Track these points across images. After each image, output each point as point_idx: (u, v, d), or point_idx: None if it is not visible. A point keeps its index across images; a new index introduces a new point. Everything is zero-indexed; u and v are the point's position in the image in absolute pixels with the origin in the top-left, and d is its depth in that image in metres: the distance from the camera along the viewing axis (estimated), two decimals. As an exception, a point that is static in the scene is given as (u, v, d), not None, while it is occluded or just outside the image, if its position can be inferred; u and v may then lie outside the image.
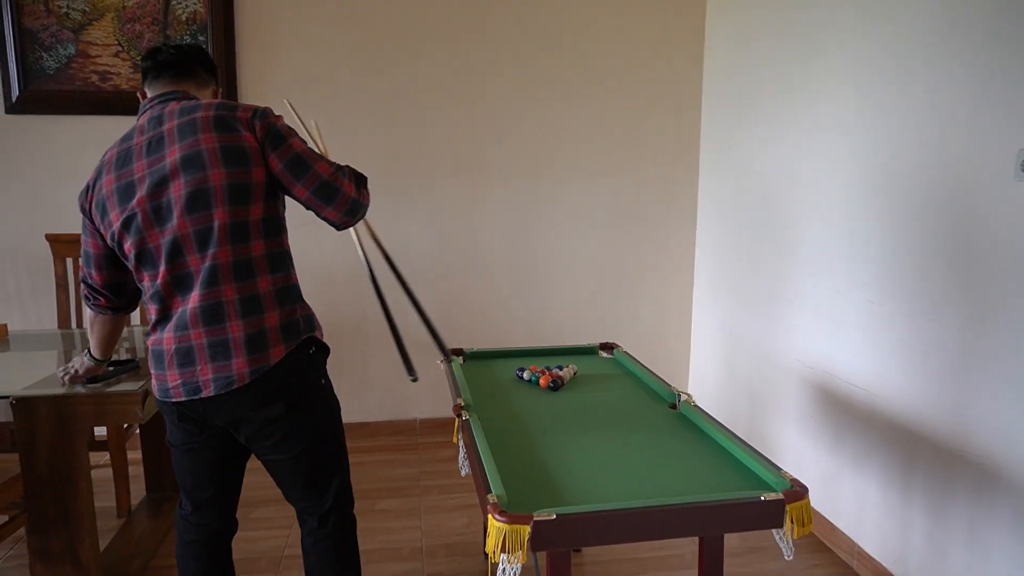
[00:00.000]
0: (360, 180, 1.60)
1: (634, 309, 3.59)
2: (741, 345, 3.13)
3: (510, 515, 1.21)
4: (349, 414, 3.28)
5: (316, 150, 1.61)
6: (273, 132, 1.50)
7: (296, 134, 1.54)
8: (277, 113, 1.55)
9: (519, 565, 1.22)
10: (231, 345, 1.47)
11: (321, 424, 1.63)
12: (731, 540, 2.51)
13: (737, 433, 2.98)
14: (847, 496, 2.40)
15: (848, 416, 2.38)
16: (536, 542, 1.20)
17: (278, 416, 1.54)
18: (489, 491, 1.30)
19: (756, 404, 3.01)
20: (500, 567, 1.23)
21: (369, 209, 1.66)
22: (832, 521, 2.48)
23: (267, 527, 2.64)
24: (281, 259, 1.55)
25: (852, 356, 2.35)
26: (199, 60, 1.63)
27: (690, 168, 3.53)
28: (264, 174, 1.49)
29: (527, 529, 1.19)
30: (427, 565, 2.39)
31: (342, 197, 1.53)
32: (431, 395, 3.47)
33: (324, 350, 1.65)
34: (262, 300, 1.50)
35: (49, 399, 1.90)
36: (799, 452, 2.66)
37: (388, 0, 3.17)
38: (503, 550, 1.20)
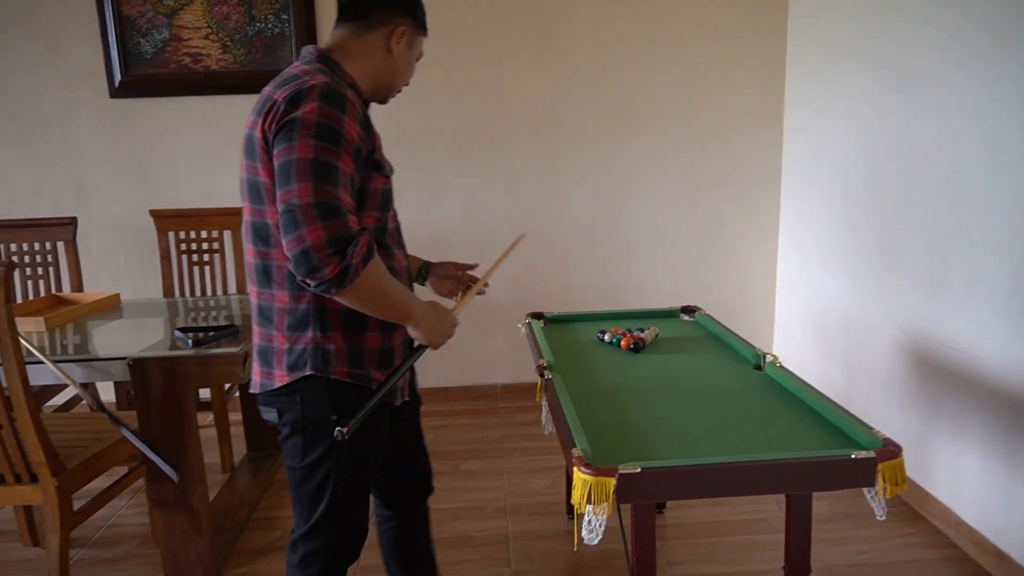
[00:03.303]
0: (340, 243, 1.17)
1: (716, 273, 3.52)
2: (829, 308, 3.02)
3: (595, 468, 1.23)
4: (428, 379, 3.38)
5: (330, 151, 1.19)
6: (287, 124, 1.20)
7: (317, 131, 1.18)
8: (331, 92, 1.21)
9: (604, 517, 1.25)
10: (256, 351, 1.40)
11: (308, 457, 1.37)
12: (820, 505, 2.46)
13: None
14: (943, 464, 2.31)
15: (945, 381, 2.27)
16: (621, 494, 1.22)
17: (272, 423, 1.41)
18: (574, 445, 1.33)
19: (846, 369, 2.91)
20: (586, 518, 1.25)
21: (348, 288, 1.20)
22: (927, 489, 2.39)
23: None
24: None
25: (951, 318, 2.23)
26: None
27: (774, 129, 3.41)
28: (271, 173, 1.24)
29: (612, 481, 1.21)
30: (511, 523, 2.45)
31: (295, 239, 1.16)
32: (511, 361, 3.53)
33: (335, 384, 1.34)
34: (273, 315, 1.34)
35: (160, 360, 2.05)
36: (891, 418, 2.56)
37: (462, -32, 3.18)
38: (588, 502, 1.22)
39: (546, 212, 3.43)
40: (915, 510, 2.44)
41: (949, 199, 2.22)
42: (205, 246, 3.14)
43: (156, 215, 3.10)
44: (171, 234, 3.11)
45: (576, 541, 1.30)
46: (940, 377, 2.30)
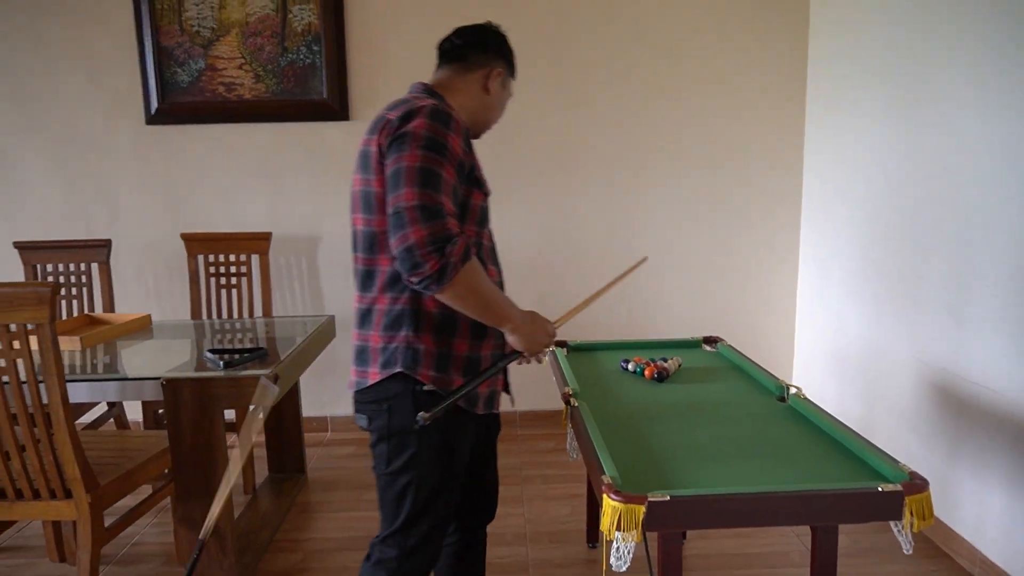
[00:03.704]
0: (439, 242, 1.27)
1: (735, 302, 3.54)
2: (850, 339, 3.03)
3: (625, 495, 1.25)
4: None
5: (436, 160, 1.31)
6: (399, 137, 1.33)
7: (426, 144, 1.31)
8: (439, 111, 1.35)
9: (632, 544, 1.27)
10: (354, 352, 1.50)
11: (393, 465, 1.45)
12: (843, 540, 2.44)
13: (846, 431, 2.90)
14: (966, 500, 2.29)
15: (968, 416, 2.27)
16: (650, 522, 1.24)
17: (363, 427, 1.51)
18: (603, 472, 1.35)
19: (866, 401, 2.90)
20: (614, 545, 1.27)
21: (446, 285, 1.29)
22: (950, 526, 2.37)
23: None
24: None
25: (974, 352, 2.24)
26: (469, 42, 1.54)
27: (793, 157, 3.45)
28: (384, 183, 1.36)
29: (642, 509, 1.23)
30: (531, 550, 2.46)
31: (400, 237, 1.28)
32: (531, 388, 3.54)
33: (421, 395, 1.41)
34: (372, 316, 1.45)
35: (193, 380, 2.09)
36: (913, 453, 2.55)
37: (486, 1, 3.27)
38: (618, 528, 1.24)
39: (564, 239, 3.48)
40: (938, 546, 2.42)
41: (972, 231, 2.24)
42: (233, 269, 3.21)
43: (187, 238, 3.18)
44: (200, 257, 3.19)
45: (604, 568, 1.31)
46: (963, 412, 2.30)
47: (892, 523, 1.30)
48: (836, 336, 3.16)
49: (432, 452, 1.44)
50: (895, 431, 2.68)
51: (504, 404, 1.64)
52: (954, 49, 2.30)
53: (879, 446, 1.47)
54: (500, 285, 1.56)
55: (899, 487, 1.27)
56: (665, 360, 2.15)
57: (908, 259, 2.59)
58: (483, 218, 1.49)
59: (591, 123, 3.39)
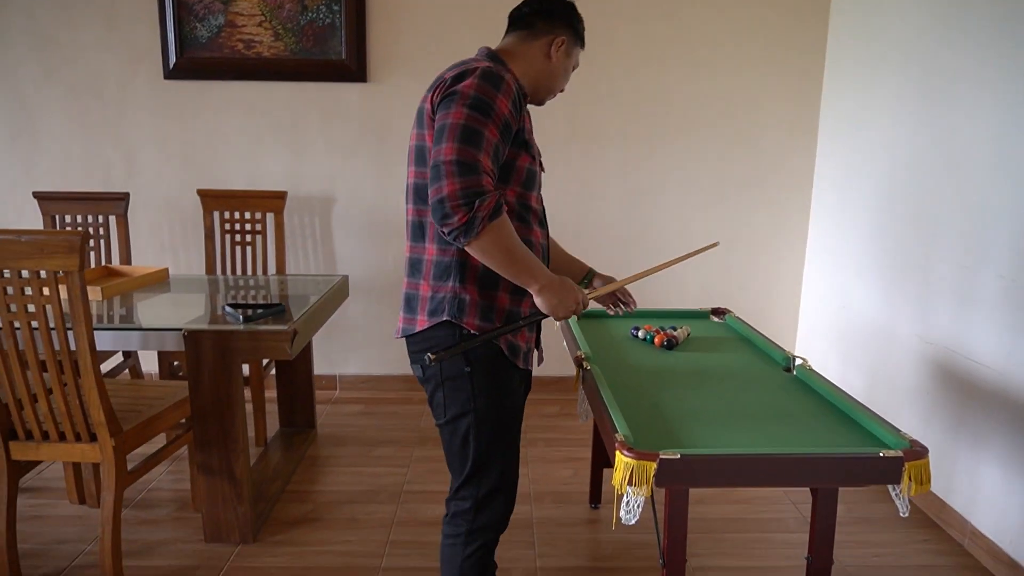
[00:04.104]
0: (470, 196, 1.31)
1: (743, 276, 3.58)
2: (854, 316, 3.07)
3: (638, 452, 1.31)
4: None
5: (480, 120, 1.35)
6: (449, 95, 1.39)
7: (472, 103, 1.36)
8: (491, 73, 1.40)
9: (642, 498, 1.33)
10: (403, 300, 1.58)
11: (451, 411, 1.53)
12: (839, 509, 2.51)
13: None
14: (961, 475, 2.36)
15: (968, 394, 2.32)
16: (661, 478, 1.30)
17: (420, 378, 1.58)
18: (616, 431, 1.41)
19: (868, 376, 2.96)
20: (625, 499, 1.33)
21: (473, 238, 1.34)
22: (944, 499, 2.44)
23: (387, 464, 2.87)
24: None
25: (977, 332, 2.28)
26: (536, 10, 1.59)
27: (807, 137, 3.46)
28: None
29: (653, 465, 1.29)
30: (535, 509, 2.54)
31: (436, 189, 1.33)
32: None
33: (467, 340, 1.47)
34: (422, 266, 1.51)
35: (214, 333, 2.15)
36: (911, 427, 2.61)
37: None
38: (629, 483, 1.30)
39: (580, 213, 3.50)
40: (931, 518, 2.50)
41: (981, 215, 2.27)
42: (248, 227, 3.25)
43: (203, 194, 3.21)
44: (216, 214, 3.23)
45: (615, 520, 1.38)
46: (963, 390, 2.35)
47: (891, 487, 1.36)
48: (840, 312, 3.20)
49: (485, 394, 1.50)
50: (894, 406, 2.74)
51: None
52: (970, 33, 2.30)
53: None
54: (544, 248, 1.60)
55: (900, 453, 1.32)
56: (674, 329, 2.20)
57: (916, 240, 2.62)
58: (529, 180, 1.52)
59: (609, 103, 3.39)
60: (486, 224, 1.33)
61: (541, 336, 1.73)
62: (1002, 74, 2.18)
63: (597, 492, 2.54)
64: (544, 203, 1.65)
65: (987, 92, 2.25)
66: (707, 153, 3.46)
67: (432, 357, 1.42)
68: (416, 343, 1.53)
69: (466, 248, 1.39)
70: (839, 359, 3.21)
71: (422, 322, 1.51)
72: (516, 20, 1.62)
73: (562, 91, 1.69)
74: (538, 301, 1.45)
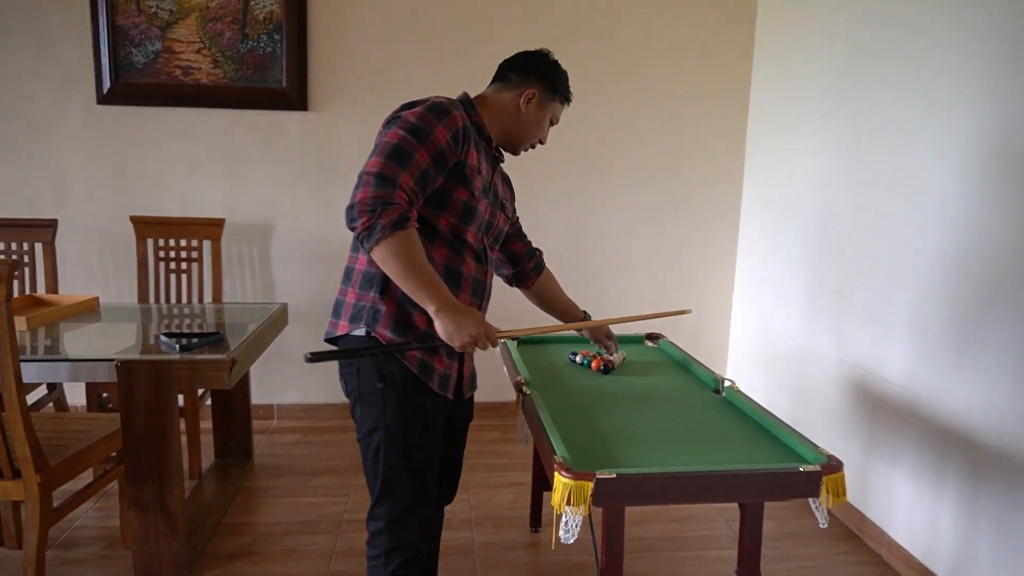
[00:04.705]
0: (377, 205, 1.38)
1: (675, 301, 3.71)
2: (779, 339, 3.24)
3: (575, 472, 1.36)
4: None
5: (412, 143, 1.44)
6: (392, 119, 1.50)
7: (409, 127, 1.44)
8: (437, 105, 1.49)
9: (580, 518, 1.38)
10: (333, 305, 1.64)
11: (366, 426, 1.57)
12: (767, 525, 2.62)
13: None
14: (878, 489, 2.51)
15: (883, 413, 2.48)
16: (598, 498, 1.35)
17: (344, 392, 1.62)
18: (555, 452, 1.46)
19: (792, 397, 3.11)
20: (564, 519, 1.38)
21: (372, 244, 1.40)
22: (863, 512, 2.58)
23: (326, 494, 2.84)
24: None
25: (891, 355, 2.45)
26: (513, 64, 1.69)
27: (735, 170, 3.65)
28: None
29: (590, 485, 1.34)
30: (476, 534, 2.56)
31: (352, 196, 1.41)
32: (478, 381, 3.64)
33: (382, 358, 1.53)
34: (353, 275, 1.59)
35: (149, 363, 2.11)
36: (832, 445, 2.76)
37: (451, 1, 3.34)
38: (568, 503, 1.35)
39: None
40: (852, 531, 2.64)
41: (891, 244, 2.45)
42: (184, 254, 3.20)
43: (136, 221, 3.15)
44: (150, 241, 3.16)
45: (554, 540, 1.42)
46: (878, 408, 2.51)
47: (811, 500, 1.45)
48: (767, 335, 3.37)
49: (396, 412, 1.53)
50: (817, 425, 2.90)
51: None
52: (887, 75, 2.51)
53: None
54: (478, 283, 1.64)
55: (818, 468, 1.42)
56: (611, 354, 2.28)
57: (835, 268, 2.80)
58: (466, 214, 1.57)
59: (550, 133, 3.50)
60: (386, 233, 1.38)
61: (472, 365, 1.77)
62: (915, 117, 2.38)
63: (537, 516, 2.58)
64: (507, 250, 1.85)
65: (902, 131, 2.44)
66: (641, 181, 3.61)
67: (310, 355, 1.46)
68: (343, 367, 1.59)
69: (371, 254, 1.44)
70: (767, 380, 3.36)
71: (343, 327, 1.57)
72: (497, 71, 1.72)
73: (542, 143, 1.78)
74: (436, 324, 1.46)
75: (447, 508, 1.94)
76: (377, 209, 1.38)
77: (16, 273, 2.97)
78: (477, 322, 1.46)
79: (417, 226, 1.45)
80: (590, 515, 1.41)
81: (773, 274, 3.32)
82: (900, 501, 2.40)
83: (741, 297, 3.69)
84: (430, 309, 1.45)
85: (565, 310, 2.06)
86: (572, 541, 1.38)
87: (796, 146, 3.11)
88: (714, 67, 3.55)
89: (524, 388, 1.92)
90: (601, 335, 2.11)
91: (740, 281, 3.70)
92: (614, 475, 1.36)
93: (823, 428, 2.86)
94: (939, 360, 2.21)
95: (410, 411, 1.55)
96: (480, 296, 1.67)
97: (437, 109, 1.50)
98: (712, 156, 3.62)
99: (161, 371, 2.11)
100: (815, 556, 2.47)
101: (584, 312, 2.07)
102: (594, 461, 1.48)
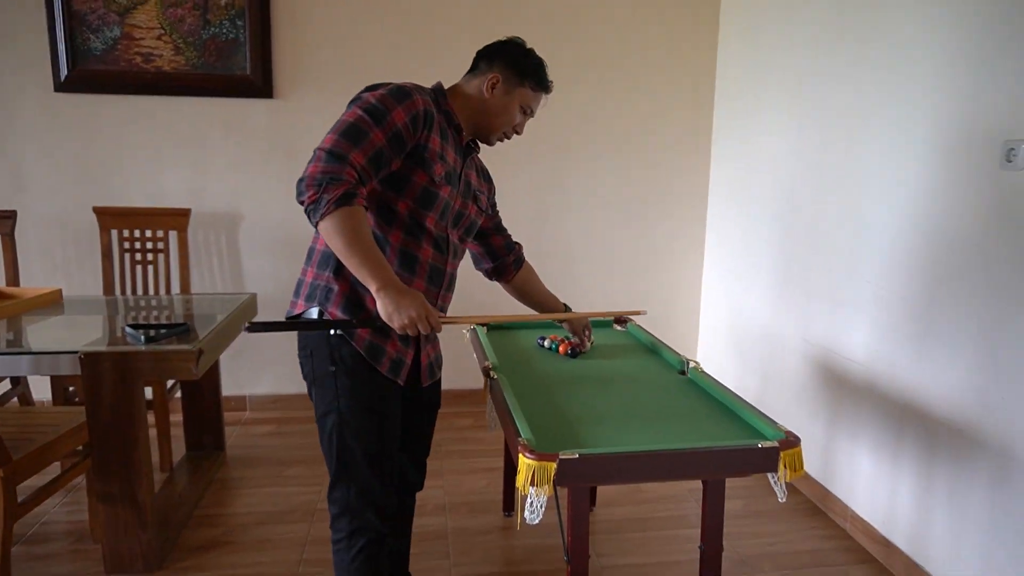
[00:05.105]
0: (325, 180, 1.38)
1: (647, 287, 3.76)
2: (747, 322, 3.29)
3: (539, 453, 1.38)
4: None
5: (368, 123, 1.44)
6: (353, 100, 1.50)
7: (368, 108, 1.45)
8: (399, 89, 1.50)
9: (544, 498, 1.40)
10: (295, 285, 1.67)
11: (320, 409, 1.59)
12: (735, 504, 2.69)
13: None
14: (841, 464, 2.57)
15: (845, 390, 2.54)
16: (561, 478, 1.37)
17: (301, 371, 1.64)
18: (519, 435, 1.48)
19: (761, 377, 3.17)
20: (528, 499, 1.40)
21: (318, 219, 1.40)
22: (827, 487, 2.65)
23: (299, 483, 2.84)
24: None
25: (851, 334, 2.51)
26: (482, 52, 1.70)
27: (702, 157, 3.68)
28: None
29: (553, 466, 1.36)
30: (450, 520, 2.58)
31: (304, 170, 1.42)
32: (450, 368, 3.64)
33: (333, 339, 1.54)
34: (313, 255, 1.60)
35: (114, 354, 2.08)
36: (799, 423, 2.82)
37: (416, -12, 3.32)
38: (532, 484, 1.37)
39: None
40: (817, 506, 2.71)
41: (853, 228, 2.49)
42: (150, 245, 3.15)
43: (100, 212, 3.09)
44: (115, 232, 3.11)
45: (519, 521, 1.44)
46: (840, 386, 2.57)
47: (769, 475, 1.49)
48: (735, 319, 3.42)
49: (348, 395, 1.55)
50: (784, 403, 2.95)
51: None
52: (850, 60, 2.54)
53: (770, 415, 1.66)
54: (434, 269, 1.63)
55: (775, 444, 1.46)
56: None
57: (798, 251, 2.84)
58: (425, 199, 1.56)
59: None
60: (331, 208, 1.38)
61: (435, 352, 1.76)
62: (876, 97, 2.42)
63: (510, 500, 2.61)
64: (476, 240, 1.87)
65: (858, 118, 2.48)
66: (610, 170, 3.62)
67: (249, 324, 1.49)
68: (299, 340, 1.60)
69: (317, 229, 1.44)
70: (736, 361, 3.42)
71: (299, 306, 1.59)
72: (473, 62, 1.71)
73: (518, 133, 1.78)
74: (377, 304, 1.44)
75: (419, 495, 1.97)
76: (324, 183, 1.38)
77: (-25, 266, 2.92)
78: (418, 304, 1.44)
79: (365, 204, 1.45)
80: (556, 496, 1.43)
81: (740, 257, 3.37)
82: (862, 475, 2.46)
83: (710, 280, 3.74)
84: (372, 287, 1.43)
85: (545, 304, 2.07)
86: (537, 521, 1.40)
87: (761, 131, 3.15)
88: (679, 55, 3.56)
89: (492, 373, 1.94)
90: (579, 328, 2.13)
91: (709, 264, 3.75)
92: (576, 455, 1.38)
93: (790, 407, 2.92)
94: (898, 338, 2.27)
95: (363, 395, 1.56)
96: (438, 285, 1.66)
97: (398, 92, 1.50)
98: (679, 143, 3.65)
99: (126, 363, 2.09)
100: (783, 532, 2.53)
101: (564, 305, 2.09)
102: (558, 442, 1.50)
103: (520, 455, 1.40)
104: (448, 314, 1.72)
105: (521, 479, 1.39)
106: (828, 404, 2.65)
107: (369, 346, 1.56)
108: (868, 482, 2.43)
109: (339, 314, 1.54)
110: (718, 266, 3.63)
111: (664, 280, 3.78)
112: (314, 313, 1.56)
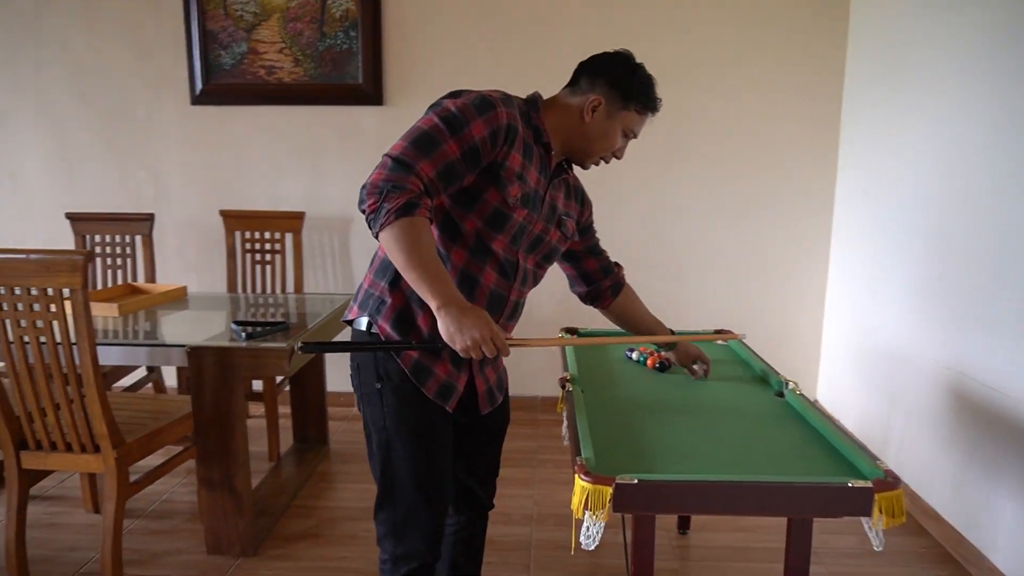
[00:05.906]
0: (387, 188, 1.30)
1: (764, 299, 3.51)
2: (875, 340, 2.97)
3: (595, 476, 1.29)
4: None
5: (443, 133, 1.35)
6: (433, 105, 1.41)
7: (446, 116, 1.36)
8: (484, 99, 1.39)
9: (601, 523, 1.30)
10: None
11: (368, 426, 1.52)
12: (851, 541, 2.43)
13: (871, 435, 2.86)
14: (980, 508, 2.25)
15: (984, 422, 2.22)
16: (617, 504, 1.28)
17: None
18: (579, 453, 1.39)
19: (887, 401, 2.85)
20: (584, 524, 1.31)
21: (378, 229, 1.32)
22: (962, 532, 2.32)
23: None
24: None
25: (994, 359, 2.18)
26: (585, 66, 1.56)
27: (828, 160, 3.38)
28: None
29: (609, 490, 1.27)
30: (535, 531, 2.51)
31: (370, 175, 1.34)
32: (552, 374, 3.59)
33: (380, 358, 1.46)
34: (375, 261, 1.53)
35: (215, 349, 2.21)
36: (928, 455, 2.50)
37: (524, 1, 3.30)
38: (586, 508, 1.28)
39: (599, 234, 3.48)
40: (948, 553, 2.38)
41: (1003, 240, 2.17)
42: (268, 246, 3.35)
43: (225, 215, 3.32)
44: (238, 233, 3.33)
45: (574, 546, 1.36)
46: (979, 417, 2.25)
47: (863, 519, 1.30)
48: (862, 337, 3.10)
49: (394, 415, 1.46)
50: (912, 432, 2.63)
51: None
52: (992, 64, 2.23)
53: (895, 447, 1.45)
54: (497, 296, 1.50)
55: (870, 484, 1.27)
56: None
57: (937, 263, 2.52)
58: (496, 220, 1.44)
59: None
60: (391, 218, 1.29)
61: (496, 376, 1.63)
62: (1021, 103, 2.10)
63: (598, 515, 2.50)
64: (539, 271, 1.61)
65: (1006, 120, 2.17)
66: (726, 174, 3.42)
67: (302, 344, 1.43)
68: (353, 359, 1.52)
69: (378, 240, 1.36)
70: (861, 383, 3.10)
71: (354, 312, 1.52)
72: (573, 73, 1.57)
73: (618, 158, 1.61)
74: (438, 323, 1.33)
75: (507, 503, 1.84)
76: (385, 192, 1.29)
77: (119, 264, 3.23)
78: (482, 324, 1.31)
79: (429, 216, 1.35)
80: (624, 518, 1.33)
81: (869, 270, 3.05)
82: (1004, 523, 2.13)
83: (835, 294, 3.42)
84: (432, 305, 1.33)
85: (648, 331, 1.87)
86: (593, 547, 1.31)
87: (894, 127, 2.83)
88: (806, 49, 3.29)
89: (567, 385, 1.86)
90: (689, 360, 1.93)
91: (834, 277, 3.43)
92: (635, 480, 1.27)
93: (919, 437, 2.59)
94: (1050, 366, 1.95)
95: (409, 418, 1.47)
96: (499, 313, 1.52)
97: (481, 102, 1.38)
98: (802, 146, 3.38)
99: (226, 357, 2.21)
100: (901, 577, 2.25)
101: (671, 332, 1.88)
102: (622, 465, 1.39)
103: (576, 476, 1.31)
104: (519, 335, 1.57)
105: (575, 502, 1.30)
106: (967, 437, 2.33)
107: (416, 365, 1.45)
108: (1011, 531, 2.10)
109: (388, 328, 1.45)
110: (844, 278, 3.32)
111: (783, 293, 3.51)
112: (363, 323, 1.49)
